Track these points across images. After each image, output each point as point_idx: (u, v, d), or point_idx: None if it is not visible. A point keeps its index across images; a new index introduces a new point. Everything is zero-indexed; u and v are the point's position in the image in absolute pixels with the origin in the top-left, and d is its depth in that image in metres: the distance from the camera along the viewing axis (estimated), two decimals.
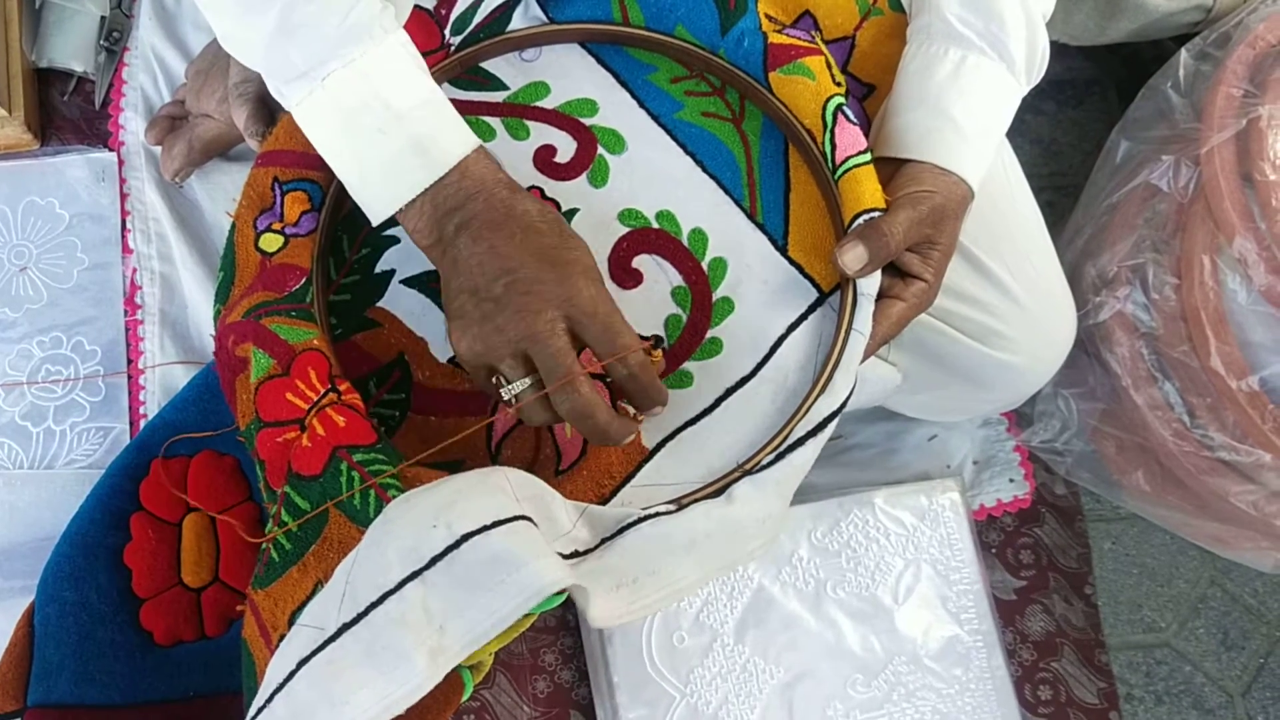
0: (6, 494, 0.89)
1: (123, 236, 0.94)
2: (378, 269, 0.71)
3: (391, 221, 0.64)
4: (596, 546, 0.61)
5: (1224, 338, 0.80)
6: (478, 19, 0.74)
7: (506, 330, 0.59)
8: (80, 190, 0.95)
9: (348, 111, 0.62)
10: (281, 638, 0.57)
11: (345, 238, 0.72)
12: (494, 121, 0.74)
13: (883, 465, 0.96)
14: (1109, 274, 0.87)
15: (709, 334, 0.69)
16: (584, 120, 0.73)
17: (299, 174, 0.70)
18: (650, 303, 0.70)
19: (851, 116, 0.68)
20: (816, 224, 0.70)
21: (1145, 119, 0.90)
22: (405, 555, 0.54)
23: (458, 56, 0.73)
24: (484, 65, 0.75)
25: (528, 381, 0.59)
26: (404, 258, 0.71)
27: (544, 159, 0.73)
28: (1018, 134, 1.04)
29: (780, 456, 0.64)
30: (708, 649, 0.87)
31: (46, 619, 0.74)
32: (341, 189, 0.66)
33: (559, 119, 0.73)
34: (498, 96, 0.74)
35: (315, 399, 0.63)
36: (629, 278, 0.70)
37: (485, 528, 0.54)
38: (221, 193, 0.94)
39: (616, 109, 0.73)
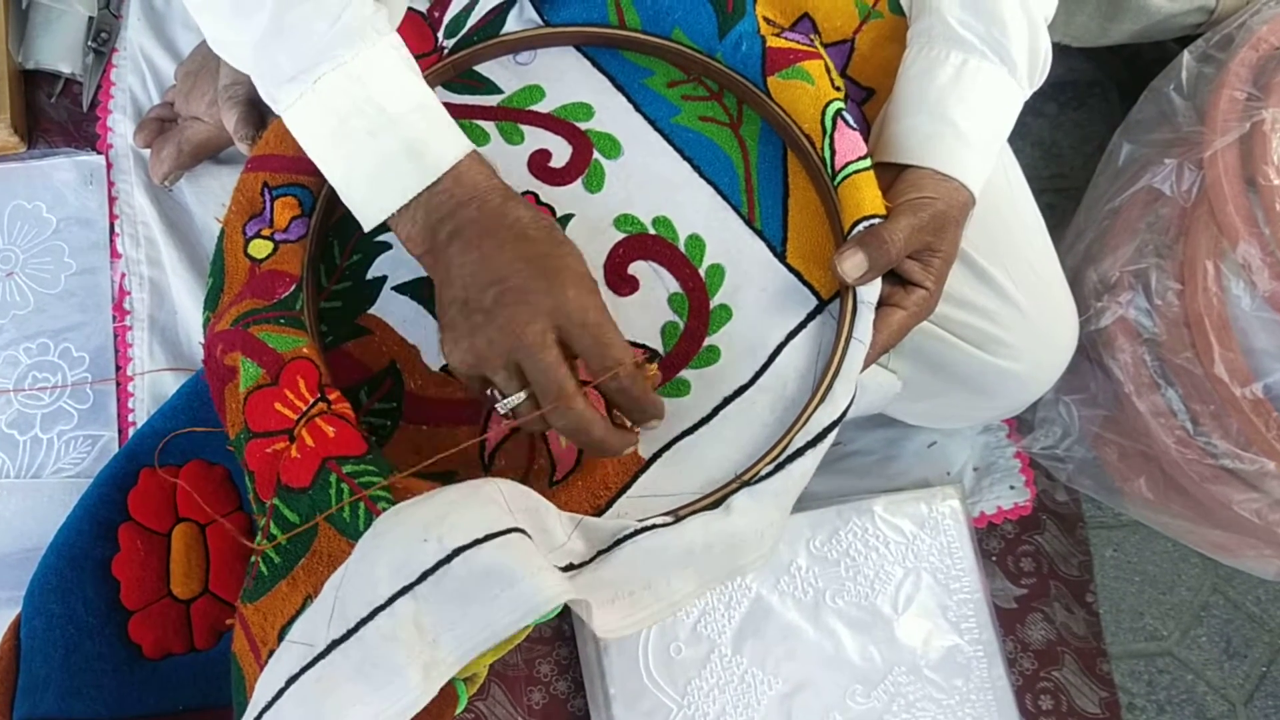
0: None
1: (111, 241, 0.93)
2: (369, 275, 0.70)
3: (383, 227, 0.63)
4: (592, 559, 0.61)
5: (1227, 344, 0.79)
6: (472, 22, 0.73)
7: (497, 343, 0.58)
8: (68, 194, 0.94)
9: (339, 115, 0.61)
10: (271, 653, 0.57)
11: (336, 244, 0.71)
12: (488, 126, 0.73)
13: (882, 472, 0.95)
14: (1111, 279, 0.86)
15: (706, 341, 0.68)
16: (579, 124, 0.73)
17: (289, 179, 0.70)
18: (646, 309, 0.69)
19: (851, 122, 0.67)
20: (815, 230, 0.69)
21: (1147, 121, 0.89)
22: (396, 570, 0.54)
23: (451, 60, 0.72)
24: (478, 69, 0.74)
25: (522, 396, 0.59)
26: (396, 264, 0.70)
27: (539, 164, 0.72)
28: (1018, 136, 1.03)
29: (779, 467, 0.63)
30: (705, 659, 0.86)
31: (33, 632, 0.73)
32: (332, 194, 0.65)
33: (554, 123, 0.73)
34: (492, 100, 0.73)
35: (304, 409, 0.62)
36: (625, 284, 0.69)
37: (477, 541, 0.54)
38: (211, 197, 0.93)
39: (612, 113, 0.73)
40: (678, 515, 0.62)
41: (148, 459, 0.78)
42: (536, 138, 0.72)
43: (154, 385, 0.90)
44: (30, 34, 0.95)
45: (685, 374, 0.68)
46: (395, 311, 0.69)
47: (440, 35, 0.73)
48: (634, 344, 0.68)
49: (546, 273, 0.59)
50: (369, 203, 0.62)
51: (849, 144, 0.66)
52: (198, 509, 0.77)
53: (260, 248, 0.69)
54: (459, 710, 0.60)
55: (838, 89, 0.68)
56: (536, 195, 0.71)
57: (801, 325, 0.68)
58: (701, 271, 0.69)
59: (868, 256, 0.63)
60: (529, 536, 0.56)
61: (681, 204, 0.71)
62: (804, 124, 0.68)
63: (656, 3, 0.71)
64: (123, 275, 0.93)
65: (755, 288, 0.69)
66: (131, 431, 0.89)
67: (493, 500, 0.57)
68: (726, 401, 0.67)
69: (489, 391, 0.61)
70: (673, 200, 0.71)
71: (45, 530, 0.78)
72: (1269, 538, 0.86)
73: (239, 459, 0.64)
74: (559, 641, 0.91)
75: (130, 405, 0.90)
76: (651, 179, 0.71)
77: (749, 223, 0.70)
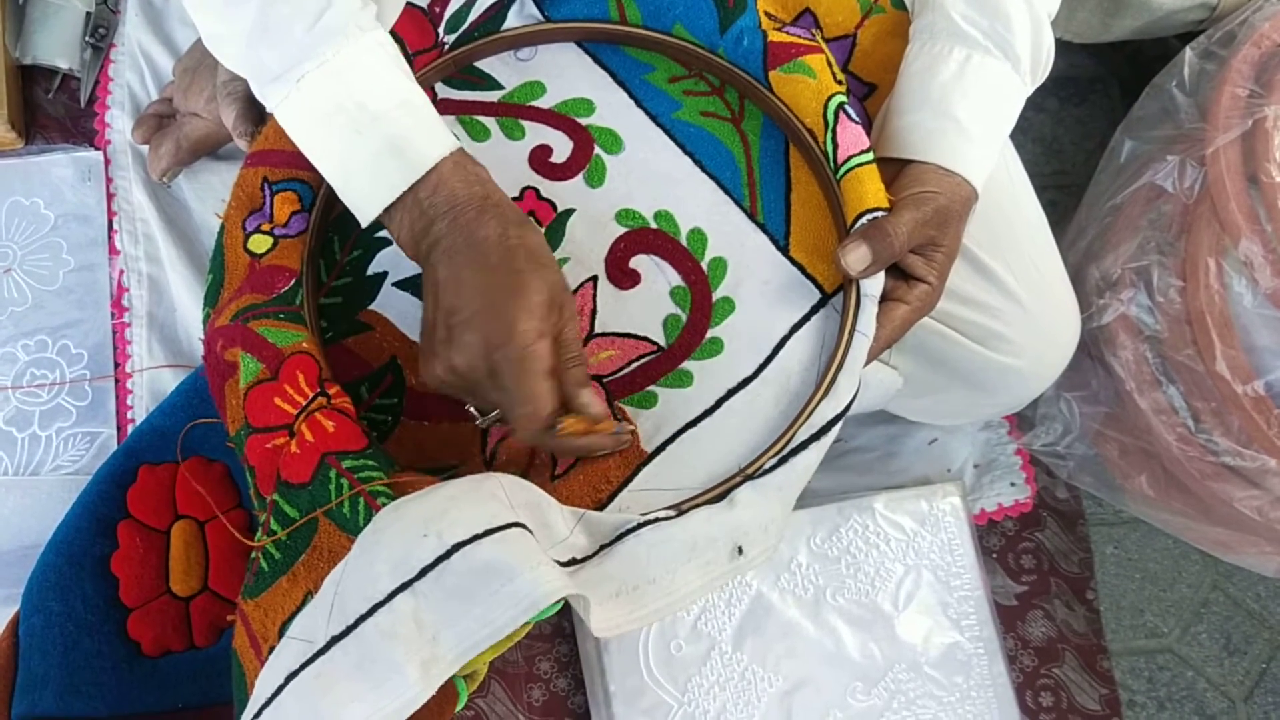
0: None
1: (109, 237, 0.93)
2: (370, 271, 0.70)
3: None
4: (595, 554, 0.60)
5: (1229, 341, 0.79)
6: (472, 17, 0.73)
7: (458, 369, 0.59)
8: (66, 190, 0.94)
9: (324, 113, 0.61)
10: (272, 649, 0.56)
11: (336, 239, 0.71)
12: (489, 121, 0.72)
13: (883, 469, 0.95)
14: (1113, 276, 0.86)
15: (709, 334, 0.68)
16: (580, 120, 0.72)
17: (289, 174, 0.69)
18: (648, 303, 0.69)
19: (854, 115, 0.67)
20: (818, 224, 0.69)
21: (1149, 118, 0.89)
22: (395, 566, 0.53)
23: (451, 55, 0.72)
24: (478, 64, 0.74)
25: (494, 414, 0.60)
26: (396, 260, 0.69)
27: (540, 159, 0.72)
28: (1020, 132, 1.03)
29: (783, 460, 0.63)
30: (705, 657, 0.86)
31: (32, 630, 0.73)
32: (332, 190, 0.65)
33: (555, 119, 0.72)
34: (493, 96, 0.73)
35: (304, 403, 0.61)
36: (627, 278, 0.69)
37: (477, 537, 0.53)
38: (210, 193, 0.93)
39: (613, 109, 0.72)
40: (681, 509, 0.62)
41: (147, 456, 0.78)
42: (537, 133, 0.72)
43: (153, 382, 0.90)
44: (28, 29, 0.95)
45: (688, 365, 0.67)
46: (396, 307, 0.69)
47: (440, 30, 0.73)
48: (636, 337, 0.68)
49: (493, 306, 0.58)
50: (364, 198, 0.62)
51: (851, 137, 0.66)
52: (197, 506, 0.76)
53: (260, 243, 0.69)
54: (459, 707, 0.60)
55: (839, 83, 0.68)
56: (537, 190, 0.71)
57: (805, 318, 0.68)
58: (704, 265, 0.69)
59: (871, 249, 0.62)
60: (530, 532, 0.56)
61: (683, 198, 0.70)
62: (806, 118, 0.68)
63: None
64: (121, 272, 0.92)
65: (758, 281, 0.68)
66: (130, 428, 0.89)
67: (493, 495, 0.57)
68: (730, 393, 0.67)
69: (466, 406, 0.63)
70: (674, 195, 0.70)
71: (44, 527, 0.78)
72: (1270, 535, 0.86)
73: (239, 454, 0.64)
74: (559, 638, 0.91)
75: (129, 402, 0.90)
76: (653, 174, 0.71)
77: (751, 216, 0.70)
